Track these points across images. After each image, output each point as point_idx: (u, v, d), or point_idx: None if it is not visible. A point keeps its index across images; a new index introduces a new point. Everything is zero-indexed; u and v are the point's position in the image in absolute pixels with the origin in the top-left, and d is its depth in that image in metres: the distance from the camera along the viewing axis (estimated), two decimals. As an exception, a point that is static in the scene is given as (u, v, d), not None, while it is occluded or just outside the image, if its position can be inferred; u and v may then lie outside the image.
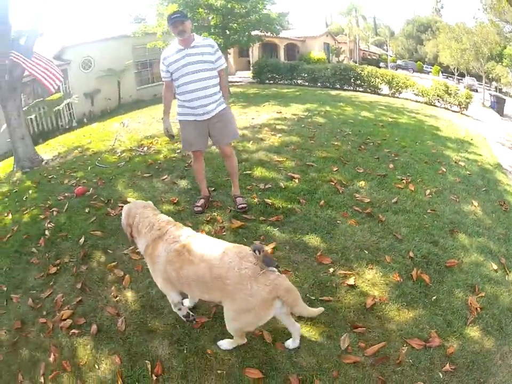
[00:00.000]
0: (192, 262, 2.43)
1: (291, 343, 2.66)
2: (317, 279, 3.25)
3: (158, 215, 2.78)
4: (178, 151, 6.36)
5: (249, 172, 5.31)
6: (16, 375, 2.91)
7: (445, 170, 5.73)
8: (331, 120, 8.19)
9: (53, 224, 4.69)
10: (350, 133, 7.11)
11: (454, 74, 38.95)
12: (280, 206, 4.39)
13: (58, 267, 3.85)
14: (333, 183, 4.91)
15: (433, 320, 2.86)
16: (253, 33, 14.77)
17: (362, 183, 4.99)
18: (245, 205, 4.34)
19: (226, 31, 13.91)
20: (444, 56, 38.04)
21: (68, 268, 3.83)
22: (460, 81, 37.36)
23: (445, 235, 3.97)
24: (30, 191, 6.05)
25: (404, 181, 5.12)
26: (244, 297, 2.27)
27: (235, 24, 13.76)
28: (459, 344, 2.70)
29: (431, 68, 43.30)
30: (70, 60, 16.52)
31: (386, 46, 50.72)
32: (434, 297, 3.06)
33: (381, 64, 42.21)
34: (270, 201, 4.47)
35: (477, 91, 29.59)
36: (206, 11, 13.28)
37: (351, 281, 3.19)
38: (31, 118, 14.46)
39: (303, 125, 7.62)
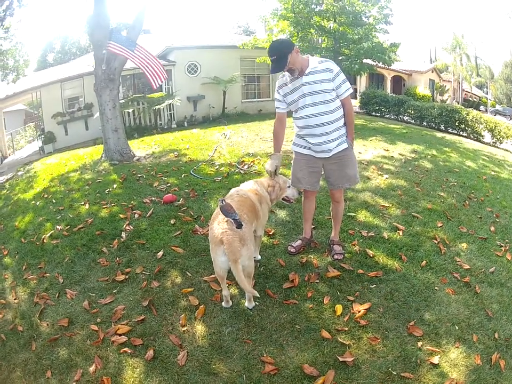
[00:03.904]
0: None
1: (247, 304, 3.25)
2: (403, 351, 2.89)
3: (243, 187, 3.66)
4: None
5: (353, 214, 4.94)
6: (45, 370, 2.83)
7: None
8: (437, 167, 7.67)
9: (132, 228, 4.59)
10: (455, 184, 6.58)
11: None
12: (381, 260, 3.99)
13: (127, 276, 3.71)
14: (436, 242, 4.46)
15: (496, 407, 2.62)
16: (364, 61, 14.26)
17: (464, 245, 4.52)
18: (342, 256, 3.94)
19: (338, 56, 13.56)
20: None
21: (137, 279, 3.66)
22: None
23: (531, 315, 3.54)
24: (115, 186, 6.09)
25: (502, 248, 4.62)
26: (210, 227, 3.08)
27: (347, 50, 13.37)
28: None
29: (526, 116, 40.66)
30: (175, 61, 16.89)
31: (487, 88, 48.16)
32: None
33: (481, 107, 40.29)
34: (371, 252, 4.08)
35: None
36: (318, 32, 13.08)
37: (435, 359, 2.83)
38: (128, 112, 14.96)
39: (410, 168, 7.17)
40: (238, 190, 3.56)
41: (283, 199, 3.74)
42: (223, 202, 3.01)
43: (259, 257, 3.85)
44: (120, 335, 2.99)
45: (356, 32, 12.87)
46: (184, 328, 3.05)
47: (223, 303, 3.23)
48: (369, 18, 13.89)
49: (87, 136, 15.38)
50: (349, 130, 3.65)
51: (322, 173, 3.82)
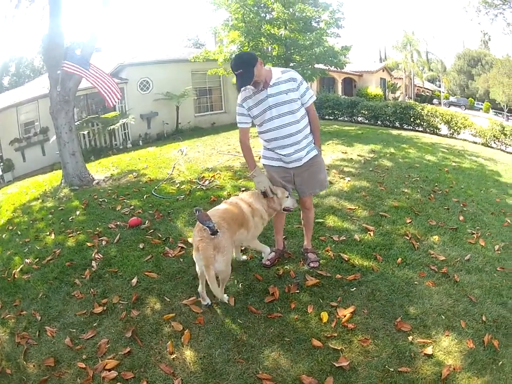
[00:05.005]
0: None
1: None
2: (396, 348, 2.94)
3: (239, 196, 3.79)
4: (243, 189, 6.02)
5: (321, 220, 4.95)
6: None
7: (510, 222, 5.40)
8: (397, 164, 7.85)
9: (101, 256, 4.44)
10: (418, 179, 6.77)
11: (503, 111, 38.08)
12: (357, 263, 4.02)
13: (105, 307, 3.55)
14: (408, 238, 4.56)
15: (496, 386, 2.70)
16: (316, 66, 14.33)
17: (436, 237, 4.65)
18: (317, 264, 3.93)
19: (290, 63, 13.59)
20: (496, 92, 37.23)
21: (116, 310, 3.52)
22: (509, 117, 36.39)
23: (512, 295, 3.69)
24: (78, 212, 5.90)
25: (474, 235, 4.81)
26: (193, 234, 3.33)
27: (298, 56, 13.44)
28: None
29: (481, 105, 42.42)
30: (127, 79, 16.70)
31: (439, 81, 49.92)
32: (501, 362, 2.85)
33: (435, 100, 41.65)
34: (346, 256, 4.10)
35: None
36: (268, 40, 13.13)
37: (429, 350, 2.90)
38: (83, 134, 14.64)
39: (370, 169, 7.30)
40: (235, 197, 3.79)
41: (283, 209, 3.72)
42: (198, 212, 3.12)
43: (268, 251, 3.89)
44: (109, 370, 2.87)
45: (307, 38, 12.90)
46: (173, 356, 2.95)
47: (201, 301, 3.39)
48: (319, 23, 14.05)
49: (45, 161, 14.94)
50: (315, 136, 3.67)
51: None
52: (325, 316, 3.24)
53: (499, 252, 4.48)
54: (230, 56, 13.34)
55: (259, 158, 3.85)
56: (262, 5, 13.80)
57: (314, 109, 3.68)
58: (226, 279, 3.31)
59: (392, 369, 2.74)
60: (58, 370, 2.97)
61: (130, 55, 18.69)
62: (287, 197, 3.68)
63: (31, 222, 5.98)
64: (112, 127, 14.93)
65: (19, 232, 5.65)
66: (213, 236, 3.03)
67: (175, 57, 18.63)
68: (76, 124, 8.58)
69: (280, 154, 3.51)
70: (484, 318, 3.26)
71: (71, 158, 7.70)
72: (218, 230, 3.06)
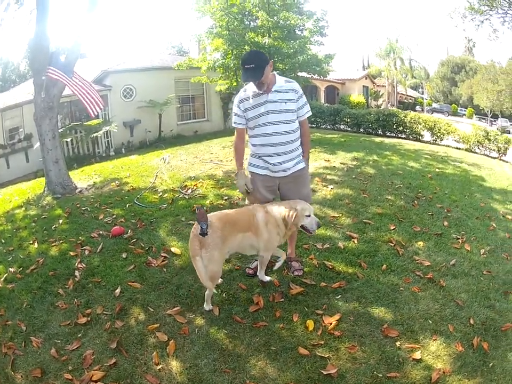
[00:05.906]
0: None
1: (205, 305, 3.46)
2: (383, 354, 2.95)
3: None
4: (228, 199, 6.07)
5: (305, 228, 4.97)
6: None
7: (495, 226, 5.48)
8: (380, 171, 7.90)
9: (84, 265, 4.38)
10: (401, 186, 6.82)
11: (487, 116, 38.66)
12: (342, 270, 4.02)
13: (89, 318, 3.49)
14: (392, 244, 4.59)
15: (488, 387, 2.72)
16: (299, 74, 14.36)
17: (420, 243, 4.68)
18: (301, 272, 3.92)
19: (273, 71, 13.42)
20: (480, 98, 37.76)
21: (100, 320, 3.46)
22: (493, 123, 36.95)
23: (500, 297, 3.74)
24: (61, 221, 5.83)
25: (459, 240, 4.86)
26: None
27: (281, 64, 13.42)
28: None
29: (465, 111, 43.05)
30: (111, 86, 16.58)
31: (422, 88, 50.59)
32: (491, 364, 2.88)
33: (417, 107, 42.18)
34: (330, 264, 4.10)
35: (509, 132, 29.47)
36: (252, 48, 13.05)
37: (417, 355, 2.91)
38: (66, 141, 14.49)
39: (353, 176, 7.34)
40: (258, 204, 3.61)
41: (302, 227, 3.53)
42: (199, 210, 3.24)
43: (266, 278, 3.82)
44: (95, 381, 2.82)
45: (290, 46, 12.95)
46: (159, 367, 2.91)
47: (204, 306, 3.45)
48: (303, 31, 14.09)
49: (28, 168, 14.71)
50: (305, 149, 3.69)
51: None
52: (310, 324, 3.23)
53: (485, 256, 4.53)
54: (213, 64, 13.35)
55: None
56: (247, 12, 13.82)
57: (307, 124, 3.72)
58: (214, 279, 3.29)
59: (381, 375, 2.74)
60: (45, 381, 2.92)
61: (114, 61, 18.57)
62: (308, 215, 3.47)
63: (15, 230, 5.91)
64: (95, 134, 14.80)
65: (3, 241, 5.57)
66: (201, 236, 3.13)
67: (158, 65, 18.59)
68: (59, 131, 8.47)
69: (269, 163, 3.50)
70: (471, 321, 3.29)
71: (54, 165, 7.60)
72: (208, 232, 3.14)
